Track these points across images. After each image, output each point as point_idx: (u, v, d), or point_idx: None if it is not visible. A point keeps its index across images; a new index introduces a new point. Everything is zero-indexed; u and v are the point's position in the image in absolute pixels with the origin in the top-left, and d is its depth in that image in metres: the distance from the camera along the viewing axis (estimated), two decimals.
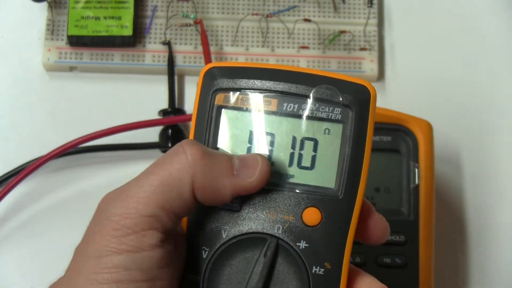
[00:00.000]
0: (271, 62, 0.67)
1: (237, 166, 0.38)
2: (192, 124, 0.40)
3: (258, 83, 0.40)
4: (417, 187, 0.58)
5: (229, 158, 0.38)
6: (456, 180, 0.65)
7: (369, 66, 0.67)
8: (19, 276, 0.61)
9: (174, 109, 0.64)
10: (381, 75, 0.68)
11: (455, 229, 0.63)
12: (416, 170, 0.58)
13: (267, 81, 0.39)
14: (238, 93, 0.40)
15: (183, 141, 0.38)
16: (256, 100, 0.40)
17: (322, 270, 0.39)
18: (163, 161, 0.37)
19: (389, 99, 0.67)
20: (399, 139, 0.59)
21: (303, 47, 0.67)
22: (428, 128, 0.59)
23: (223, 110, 0.40)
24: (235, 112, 0.40)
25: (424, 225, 0.57)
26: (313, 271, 0.38)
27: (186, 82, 0.67)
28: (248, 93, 0.40)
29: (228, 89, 0.40)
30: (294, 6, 0.68)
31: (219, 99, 0.40)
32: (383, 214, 0.57)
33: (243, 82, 0.40)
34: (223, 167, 0.38)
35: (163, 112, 0.64)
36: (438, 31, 0.69)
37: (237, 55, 0.67)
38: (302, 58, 0.67)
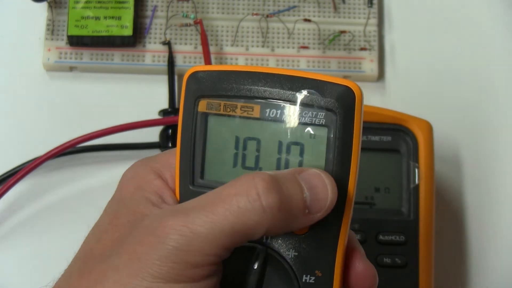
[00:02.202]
0: (271, 62, 0.67)
1: (309, 202, 0.36)
2: (178, 132, 0.40)
3: (240, 89, 0.39)
4: (417, 187, 0.58)
5: (301, 191, 0.36)
6: (456, 180, 0.65)
7: (369, 66, 0.67)
8: (16, 275, 0.61)
9: (174, 109, 0.64)
10: (381, 75, 0.68)
11: (455, 229, 0.63)
12: (416, 170, 0.58)
13: (250, 86, 0.39)
14: (221, 99, 0.39)
15: (257, 177, 0.35)
16: (240, 106, 0.39)
17: (313, 278, 0.38)
18: (236, 202, 0.35)
19: (389, 99, 0.67)
20: (399, 139, 0.59)
21: (303, 47, 0.67)
22: (428, 128, 0.59)
23: (207, 117, 0.39)
24: (219, 118, 0.39)
25: (424, 225, 0.57)
26: (304, 280, 0.38)
27: None
28: (231, 99, 0.39)
29: (211, 96, 0.39)
30: (294, 6, 0.68)
31: (202, 106, 0.39)
32: (383, 214, 0.58)
33: (225, 89, 0.39)
34: (298, 209, 0.36)
35: (163, 112, 0.64)
36: (438, 31, 0.69)
37: (237, 55, 0.67)
38: (302, 58, 0.67)
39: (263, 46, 0.67)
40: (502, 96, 0.67)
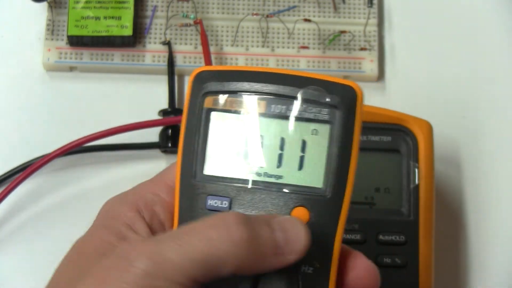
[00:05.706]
0: (271, 62, 0.67)
1: (281, 243, 0.37)
2: (182, 128, 0.41)
3: (246, 85, 0.40)
4: (417, 187, 0.58)
5: (272, 232, 0.37)
6: (456, 180, 0.65)
7: (369, 66, 0.67)
8: (19, 275, 0.61)
9: (174, 109, 0.64)
10: (381, 75, 0.68)
11: (455, 229, 0.63)
12: (416, 170, 0.58)
13: (255, 83, 0.40)
14: (227, 95, 0.40)
15: (231, 213, 0.36)
16: (245, 102, 0.40)
17: (311, 269, 0.39)
18: (208, 233, 0.36)
19: (389, 99, 0.67)
20: (399, 139, 0.59)
21: (303, 47, 0.67)
22: (428, 128, 0.59)
23: (212, 112, 0.40)
24: (224, 114, 0.40)
25: (424, 225, 0.57)
26: (302, 270, 0.39)
27: (186, 82, 0.67)
28: (237, 95, 0.40)
29: (217, 92, 0.40)
30: (294, 6, 0.68)
31: (208, 102, 0.40)
32: (383, 214, 0.58)
33: (232, 85, 0.40)
34: (267, 246, 0.37)
35: (163, 112, 0.64)
36: (438, 31, 0.69)
37: (237, 55, 0.67)
38: (302, 58, 0.67)
39: (263, 46, 0.67)
40: (502, 96, 0.67)
